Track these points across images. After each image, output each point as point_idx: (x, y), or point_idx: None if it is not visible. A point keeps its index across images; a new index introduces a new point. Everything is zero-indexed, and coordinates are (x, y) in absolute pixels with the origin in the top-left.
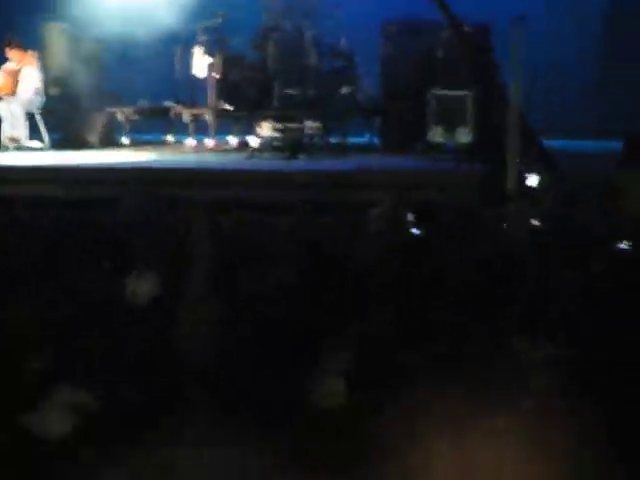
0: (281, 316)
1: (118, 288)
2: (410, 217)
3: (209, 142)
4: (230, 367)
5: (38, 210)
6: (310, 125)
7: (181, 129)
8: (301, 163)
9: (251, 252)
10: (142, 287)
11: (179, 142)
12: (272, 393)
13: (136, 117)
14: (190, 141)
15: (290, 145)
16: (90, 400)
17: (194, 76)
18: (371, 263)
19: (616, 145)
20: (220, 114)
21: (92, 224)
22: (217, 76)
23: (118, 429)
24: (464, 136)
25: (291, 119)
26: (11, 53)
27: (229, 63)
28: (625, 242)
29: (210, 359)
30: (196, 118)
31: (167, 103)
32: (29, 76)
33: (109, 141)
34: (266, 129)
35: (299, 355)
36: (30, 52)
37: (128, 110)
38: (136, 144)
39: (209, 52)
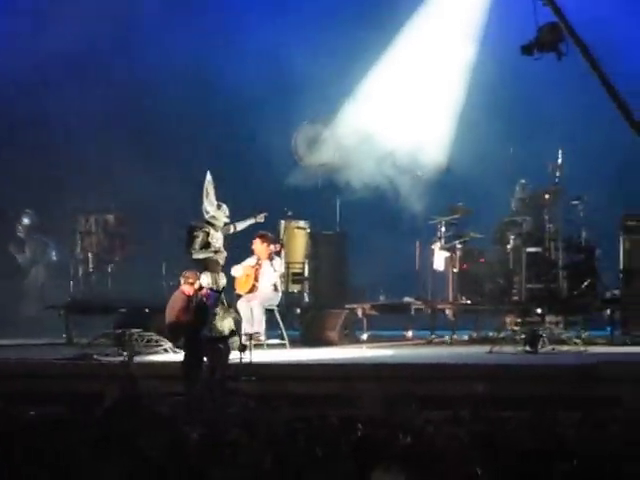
0: None
1: None
2: None
3: (448, 337)
4: None
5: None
6: (550, 319)
7: (420, 324)
8: (541, 357)
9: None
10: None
11: (418, 337)
12: None
13: (375, 313)
14: (429, 336)
15: (530, 339)
16: None
17: (434, 270)
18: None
19: None
20: (460, 308)
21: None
22: (456, 270)
23: None
24: None
25: (532, 313)
26: (258, 245)
27: (468, 257)
28: None
29: None
30: (436, 313)
31: (407, 299)
32: (268, 273)
33: (348, 337)
34: (507, 323)
35: None
36: (272, 247)
37: (367, 306)
38: (375, 340)
39: (448, 246)
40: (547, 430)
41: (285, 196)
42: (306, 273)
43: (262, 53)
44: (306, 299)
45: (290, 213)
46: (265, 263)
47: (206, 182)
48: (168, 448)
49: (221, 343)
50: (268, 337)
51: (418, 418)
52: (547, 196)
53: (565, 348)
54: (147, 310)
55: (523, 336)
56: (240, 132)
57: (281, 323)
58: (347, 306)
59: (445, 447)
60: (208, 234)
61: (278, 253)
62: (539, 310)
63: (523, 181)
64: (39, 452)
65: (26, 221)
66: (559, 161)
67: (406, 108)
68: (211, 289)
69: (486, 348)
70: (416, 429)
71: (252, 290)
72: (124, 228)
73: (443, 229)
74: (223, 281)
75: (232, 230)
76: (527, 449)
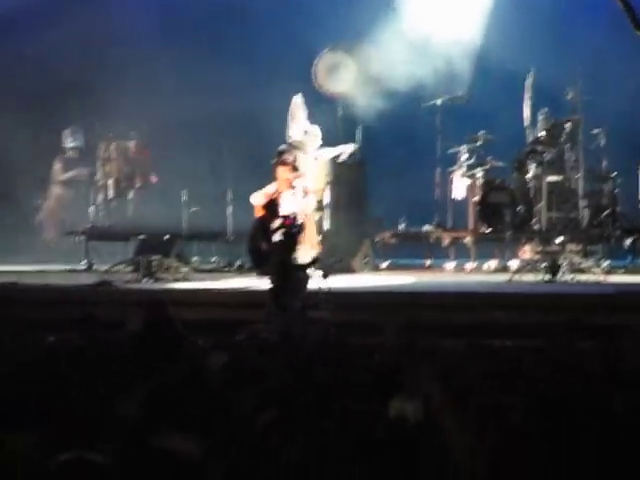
0: None
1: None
2: None
3: (469, 265)
4: None
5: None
6: (571, 248)
7: (440, 252)
8: (560, 285)
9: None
10: (407, 411)
11: (438, 266)
12: None
13: (395, 241)
14: (449, 264)
15: (550, 268)
16: None
17: (453, 199)
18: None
19: None
20: (480, 237)
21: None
22: (477, 199)
23: None
24: None
25: (552, 242)
26: (280, 172)
27: (489, 185)
28: None
29: None
30: (455, 242)
31: (426, 227)
32: (288, 200)
33: (368, 265)
34: (527, 252)
35: None
36: (294, 175)
37: (387, 235)
38: (394, 268)
39: (468, 174)
40: (566, 358)
41: None
42: (326, 201)
43: None
44: (326, 227)
45: None
46: (285, 192)
47: (292, 105)
48: (189, 375)
49: (302, 271)
50: None
51: (438, 347)
52: (568, 125)
53: (585, 277)
54: (167, 237)
55: (543, 265)
56: (260, 55)
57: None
58: (367, 234)
59: (467, 375)
60: (295, 159)
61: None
62: (559, 239)
63: (545, 110)
64: (61, 379)
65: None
66: (580, 89)
67: (432, 30)
68: (295, 216)
69: (506, 277)
70: (437, 358)
71: None
72: (145, 155)
73: (463, 157)
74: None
75: (322, 156)
76: (550, 376)
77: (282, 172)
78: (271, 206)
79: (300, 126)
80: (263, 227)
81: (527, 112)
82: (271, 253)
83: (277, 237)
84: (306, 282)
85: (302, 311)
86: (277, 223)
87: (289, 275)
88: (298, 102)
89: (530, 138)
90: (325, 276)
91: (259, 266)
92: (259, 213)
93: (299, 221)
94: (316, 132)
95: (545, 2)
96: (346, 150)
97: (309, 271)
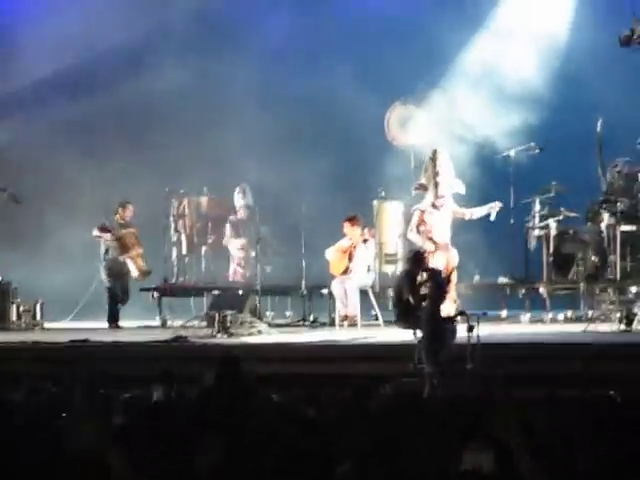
0: None
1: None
2: None
3: (544, 316)
4: None
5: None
6: None
7: (515, 303)
8: (636, 335)
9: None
10: (484, 457)
11: (514, 317)
12: None
13: (470, 292)
14: (525, 315)
15: (625, 317)
16: None
17: (529, 250)
18: None
19: None
20: (554, 288)
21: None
22: (551, 249)
23: None
24: None
25: (626, 291)
26: (349, 229)
27: (563, 235)
28: None
29: None
30: (530, 292)
31: (501, 279)
32: (362, 254)
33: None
34: (602, 301)
35: None
36: (365, 230)
37: (462, 286)
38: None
39: (541, 225)
40: None
41: (378, 176)
42: (399, 253)
43: None
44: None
45: (383, 193)
46: (359, 245)
47: (438, 157)
48: (263, 429)
49: (450, 323)
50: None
51: (516, 397)
52: None
53: None
54: (240, 292)
55: (618, 315)
56: (332, 110)
57: (375, 304)
58: None
59: (542, 427)
60: (423, 212)
61: (372, 236)
62: (634, 289)
63: (618, 159)
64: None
65: None
66: None
67: (504, 80)
68: (440, 270)
69: (581, 327)
70: (514, 408)
71: (346, 272)
72: (217, 210)
73: (537, 208)
74: (440, 261)
75: (468, 216)
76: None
77: (351, 228)
78: (417, 259)
79: (430, 179)
80: (410, 280)
81: (598, 162)
82: (418, 306)
83: (423, 290)
84: (454, 334)
85: (450, 363)
86: (424, 276)
87: (438, 327)
88: (445, 156)
89: (602, 187)
90: (470, 329)
91: (405, 319)
92: (334, 268)
93: (444, 274)
94: (462, 187)
95: (617, 51)
96: (494, 208)
97: (455, 323)
